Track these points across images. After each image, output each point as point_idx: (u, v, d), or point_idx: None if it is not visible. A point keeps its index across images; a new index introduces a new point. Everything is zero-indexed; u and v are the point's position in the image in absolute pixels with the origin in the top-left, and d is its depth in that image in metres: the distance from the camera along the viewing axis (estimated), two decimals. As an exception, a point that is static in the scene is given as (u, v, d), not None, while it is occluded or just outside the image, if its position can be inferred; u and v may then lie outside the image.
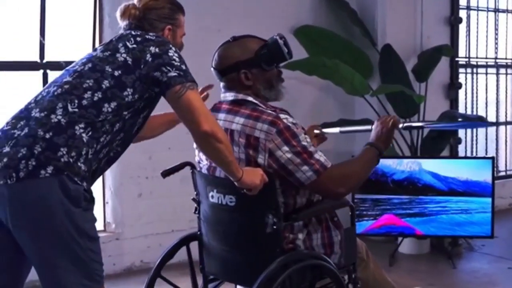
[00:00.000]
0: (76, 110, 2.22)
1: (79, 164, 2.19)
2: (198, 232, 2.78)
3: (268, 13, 5.04)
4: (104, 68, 2.29)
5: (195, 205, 2.77)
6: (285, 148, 2.44)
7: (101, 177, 4.56)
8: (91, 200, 2.26)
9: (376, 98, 5.08)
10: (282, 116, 2.48)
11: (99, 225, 4.55)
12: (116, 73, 2.28)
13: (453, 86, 5.75)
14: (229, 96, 2.62)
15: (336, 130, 3.16)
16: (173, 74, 2.26)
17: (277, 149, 2.44)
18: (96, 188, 4.59)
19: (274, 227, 2.44)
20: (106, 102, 2.25)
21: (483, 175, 4.57)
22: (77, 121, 2.21)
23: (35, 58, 4.30)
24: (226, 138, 2.34)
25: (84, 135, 2.21)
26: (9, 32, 4.27)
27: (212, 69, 2.66)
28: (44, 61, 4.31)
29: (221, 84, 2.66)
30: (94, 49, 2.43)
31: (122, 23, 2.51)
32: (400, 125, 2.83)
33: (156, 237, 4.66)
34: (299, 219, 2.52)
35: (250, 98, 2.56)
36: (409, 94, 4.78)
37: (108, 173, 4.59)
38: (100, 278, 2.27)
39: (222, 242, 2.66)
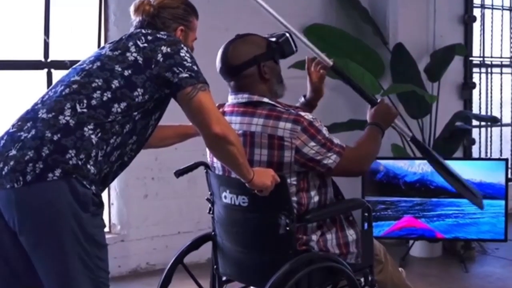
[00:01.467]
0: (85, 110, 2.20)
1: (88, 166, 2.17)
2: (212, 233, 2.82)
3: (277, 11, 4.93)
4: (113, 67, 2.27)
5: (209, 205, 2.80)
6: (312, 143, 2.53)
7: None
8: (100, 205, 2.24)
9: (387, 98, 5.05)
10: (302, 113, 2.55)
11: None
12: (126, 73, 2.27)
13: (467, 86, 5.75)
14: (242, 98, 2.64)
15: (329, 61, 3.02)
16: (184, 75, 2.25)
17: (305, 146, 2.52)
18: (101, 188, 4.64)
19: (287, 228, 2.48)
20: (116, 102, 2.24)
21: (497, 177, 4.58)
22: (86, 122, 2.19)
23: (40, 57, 4.32)
24: (238, 141, 2.36)
25: (93, 136, 2.19)
26: (13, 31, 4.29)
27: (221, 69, 2.65)
28: (49, 60, 4.34)
29: (232, 83, 2.67)
30: (102, 47, 2.42)
31: (135, 19, 2.51)
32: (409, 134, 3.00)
33: (162, 239, 4.69)
34: (312, 220, 2.57)
35: (265, 99, 2.61)
36: (421, 94, 4.78)
37: (113, 174, 4.60)
38: (105, 287, 2.25)
39: (235, 243, 2.70)
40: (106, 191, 4.61)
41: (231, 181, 2.58)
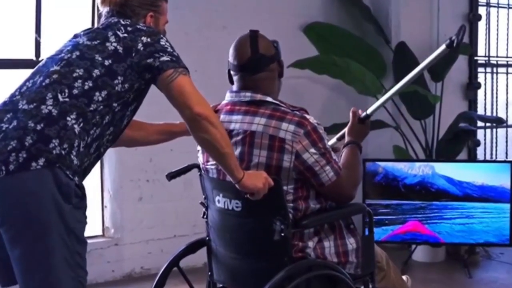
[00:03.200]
0: (67, 99, 2.22)
1: (71, 157, 2.19)
2: (207, 238, 2.77)
3: (277, 9, 5.01)
4: (93, 56, 2.30)
5: (203, 209, 2.74)
6: (313, 150, 2.47)
7: (99, 180, 4.61)
8: (83, 197, 2.25)
9: (391, 100, 5.00)
10: (307, 116, 2.51)
11: (97, 230, 4.62)
12: (106, 62, 2.29)
13: (471, 86, 5.69)
14: (244, 96, 2.58)
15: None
16: (165, 58, 2.28)
17: (305, 151, 2.46)
18: (95, 191, 4.61)
19: (282, 234, 2.42)
20: (97, 90, 2.25)
21: (502, 179, 4.52)
22: (69, 111, 2.20)
23: (31, 56, 4.30)
24: (222, 126, 2.33)
25: (76, 126, 2.20)
26: (4, 30, 4.27)
27: (241, 60, 2.56)
28: (40, 58, 4.29)
29: (237, 78, 2.59)
30: (76, 35, 2.43)
31: (103, 10, 2.51)
32: (362, 114, 2.88)
33: (157, 242, 4.65)
34: (309, 226, 2.50)
35: (269, 99, 2.55)
36: (424, 94, 4.72)
37: (107, 175, 4.60)
38: (82, 287, 2.24)
39: (229, 249, 2.65)
40: (99, 194, 4.62)
41: (224, 185, 2.52)
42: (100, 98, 2.25)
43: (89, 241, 4.44)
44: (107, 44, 2.31)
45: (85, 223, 2.28)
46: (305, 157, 2.45)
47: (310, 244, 2.52)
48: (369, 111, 2.89)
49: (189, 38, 4.63)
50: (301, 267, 2.45)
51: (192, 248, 2.83)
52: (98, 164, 4.47)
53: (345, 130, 2.87)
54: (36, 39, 4.26)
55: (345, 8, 5.34)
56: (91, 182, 4.59)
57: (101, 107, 2.25)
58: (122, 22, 2.38)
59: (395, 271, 2.94)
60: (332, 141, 2.95)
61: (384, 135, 5.17)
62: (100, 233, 4.64)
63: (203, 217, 2.75)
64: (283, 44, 2.69)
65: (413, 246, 4.87)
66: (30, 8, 4.24)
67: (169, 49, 2.33)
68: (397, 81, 5.04)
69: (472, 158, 5.62)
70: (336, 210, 2.62)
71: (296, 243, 2.49)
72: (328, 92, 5.31)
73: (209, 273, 2.79)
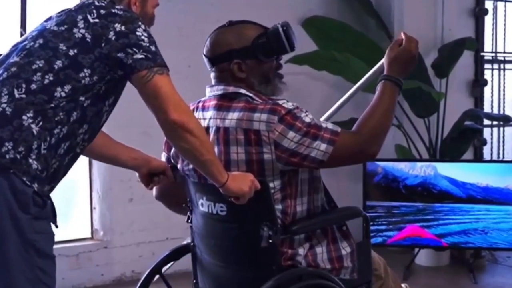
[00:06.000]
0: (24, 96, 2.00)
1: (29, 160, 1.98)
2: (191, 244, 2.62)
3: (274, 2, 4.91)
4: (57, 45, 2.06)
5: (188, 213, 2.60)
6: (291, 133, 2.25)
7: (88, 180, 4.49)
8: (43, 206, 2.02)
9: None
10: (280, 101, 2.30)
11: (86, 232, 4.52)
12: (71, 52, 2.04)
13: (477, 83, 5.61)
14: (217, 90, 2.42)
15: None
16: (139, 56, 2.04)
17: (283, 138, 2.25)
18: (83, 192, 4.53)
19: (270, 240, 2.26)
20: (58, 85, 2.03)
21: (507, 180, 4.39)
22: (25, 109, 1.99)
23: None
24: (202, 132, 2.13)
25: (33, 126, 1.99)
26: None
27: (203, 56, 2.46)
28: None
29: (212, 74, 2.46)
30: (49, 18, 2.20)
31: None
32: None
33: (149, 245, 4.56)
34: (299, 232, 2.35)
35: (242, 91, 2.37)
36: (428, 91, 4.60)
37: (95, 176, 4.52)
38: None
39: (214, 256, 2.49)
40: (88, 195, 4.53)
41: (207, 188, 2.36)
42: (63, 94, 2.02)
43: (77, 243, 4.50)
44: (75, 30, 2.06)
45: (50, 234, 2.05)
46: (285, 144, 2.25)
47: (301, 251, 2.36)
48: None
49: (183, 33, 4.52)
50: (291, 276, 2.29)
51: (176, 254, 2.70)
52: (86, 163, 4.49)
53: (384, 59, 2.51)
54: (21, 33, 4.15)
55: (346, 2, 5.25)
56: (79, 183, 4.54)
57: (64, 102, 2.02)
58: (96, 4, 2.11)
59: (394, 279, 2.77)
60: (369, 74, 2.69)
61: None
62: (89, 235, 4.57)
63: (187, 221, 2.61)
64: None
65: (416, 249, 4.74)
66: (15, 2, 4.16)
67: (145, 42, 2.06)
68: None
69: (478, 157, 5.51)
70: (328, 215, 2.47)
71: (286, 250, 2.33)
72: (328, 89, 5.19)
73: (194, 281, 2.64)
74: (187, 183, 2.53)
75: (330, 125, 2.32)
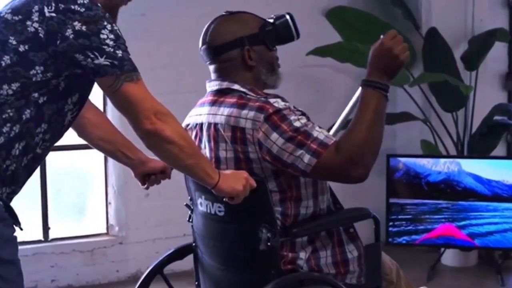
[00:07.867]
0: None
1: None
2: (193, 244, 2.54)
3: None
4: (7, 38, 1.88)
5: (189, 212, 2.53)
6: (275, 135, 2.13)
7: (103, 175, 4.44)
8: None
9: (419, 89, 4.76)
10: (272, 100, 2.19)
11: (101, 228, 4.48)
12: (21, 48, 1.87)
13: (510, 76, 5.42)
14: (214, 85, 2.35)
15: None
16: (102, 62, 1.86)
17: (266, 139, 2.14)
18: (99, 187, 4.47)
19: (269, 243, 2.16)
20: (5, 83, 1.87)
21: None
22: None
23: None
24: (182, 137, 2.00)
25: None
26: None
27: (202, 49, 2.36)
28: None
29: (212, 67, 2.37)
30: (6, 4, 1.99)
31: None
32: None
33: (165, 241, 4.49)
34: (299, 235, 2.24)
35: (236, 86, 2.28)
36: (455, 84, 4.43)
37: (111, 170, 4.48)
38: None
39: (213, 258, 2.41)
40: (103, 190, 4.49)
41: (205, 186, 2.21)
42: (10, 92, 1.87)
43: (92, 239, 4.46)
44: (28, 23, 1.87)
45: (9, 238, 1.92)
46: (268, 145, 2.13)
47: (302, 255, 2.25)
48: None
49: (185, 29, 4.42)
50: (291, 281, 2.19)
51: (179, 253, 2.61)
52: (101, 158, 4.43)
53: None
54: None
55: (371, -9, 5.11)
56: (95, 177, 4.50)
57: (12, 99, 1.88)
58: None
59: (407, 284, 2.63)
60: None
61: (413, 129, 4.96)
62: (104, 231, 4.55)
63: (188, 220, 2.53)
64: (301, 29, 2.39)
65: (442, 249, 4.60)
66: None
67: (110, 47, 1.87)
68: (426, 70, 4.79)
69: (510, 154, 5.32)
70: (333, 216, 2.36)
71: (286, 253, 2.23)
72: (352, 82, 5.05)
73: (196, 282, 2.57)
74: (187, 181, 2.45)
75: (322, 135, 2.14)
